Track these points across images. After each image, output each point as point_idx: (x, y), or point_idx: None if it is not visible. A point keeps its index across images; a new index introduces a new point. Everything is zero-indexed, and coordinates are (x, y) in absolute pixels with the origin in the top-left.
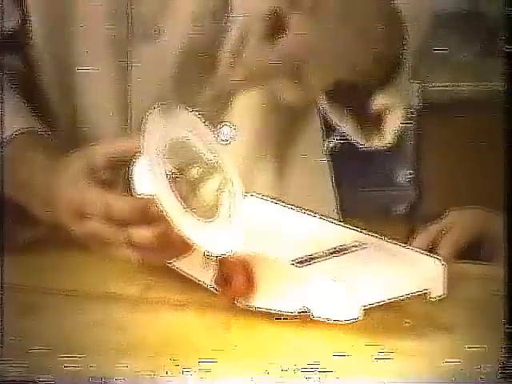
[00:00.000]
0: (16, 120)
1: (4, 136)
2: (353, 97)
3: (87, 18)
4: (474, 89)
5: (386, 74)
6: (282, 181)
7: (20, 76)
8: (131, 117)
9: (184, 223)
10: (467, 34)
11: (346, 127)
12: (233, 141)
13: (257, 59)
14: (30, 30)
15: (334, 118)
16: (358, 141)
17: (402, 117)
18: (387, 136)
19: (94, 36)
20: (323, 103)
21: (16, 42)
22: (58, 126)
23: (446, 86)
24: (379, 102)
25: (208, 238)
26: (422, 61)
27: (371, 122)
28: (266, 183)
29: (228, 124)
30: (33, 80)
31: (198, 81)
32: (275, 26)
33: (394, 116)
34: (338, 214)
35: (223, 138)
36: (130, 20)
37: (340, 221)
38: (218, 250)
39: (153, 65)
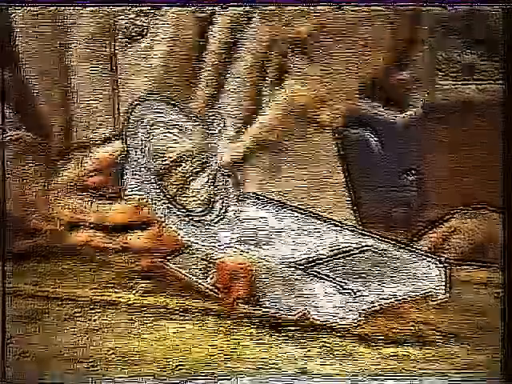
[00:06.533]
0: (7, 128)
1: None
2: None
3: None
4: (476, 90)
5: (407, 52)
6: (282, 181)
7: (10, 85)
8: (119, 120)
9: (175, 223)
10: (468, 35)
11: (373, 100)
12: (225, 135)
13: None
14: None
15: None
16: (385, 113)
17: (425, 88)
18: (413, 106)
19: (81, 44)
20: None
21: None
22: (48, 134)
23: (448, 86)
24: (402, 74)
25: (201, 237)
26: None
27: (396, 95)
28: (266, 183)
29: (219, 117)
30: (22, 89)
31: (184, 79)
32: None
33: (417, 88)
34: (338, 215)
35: (214, 132)
36: (114, 24)
37: (341, 223)
38: (212, 248)
39: (138, 66)
